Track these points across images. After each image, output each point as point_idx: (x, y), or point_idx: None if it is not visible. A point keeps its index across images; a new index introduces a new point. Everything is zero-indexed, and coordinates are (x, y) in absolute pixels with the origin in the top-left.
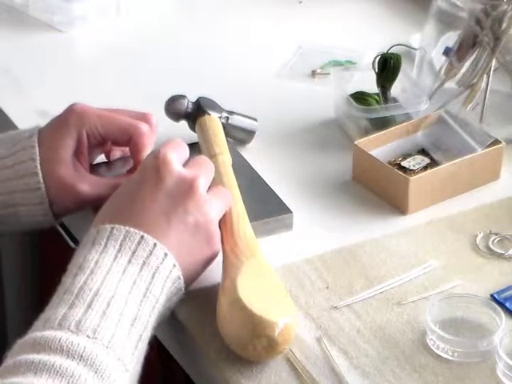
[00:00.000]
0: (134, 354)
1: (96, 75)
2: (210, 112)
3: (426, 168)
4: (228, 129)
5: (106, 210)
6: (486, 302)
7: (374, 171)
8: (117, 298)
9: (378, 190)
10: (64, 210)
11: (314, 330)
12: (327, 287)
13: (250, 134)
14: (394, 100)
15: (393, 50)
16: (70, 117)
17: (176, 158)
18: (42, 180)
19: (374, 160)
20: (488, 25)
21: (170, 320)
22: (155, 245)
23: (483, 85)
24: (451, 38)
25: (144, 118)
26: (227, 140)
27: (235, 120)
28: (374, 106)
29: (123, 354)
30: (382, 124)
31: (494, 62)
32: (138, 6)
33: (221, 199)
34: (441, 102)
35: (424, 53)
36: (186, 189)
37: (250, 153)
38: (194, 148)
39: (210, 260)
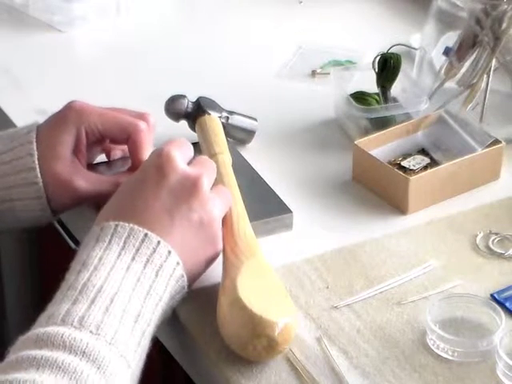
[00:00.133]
0: (137, 350)
1: (96, 75)
2: (210, 112)
3: (425, 168)
4: (228, 129)
5: (109, 208)
6: (486, 301)
7: (374, 171)
8: (120, 294)
9: (378, 190)
10: (61, 206)
11: (314, 330)
12: (327, 287)
13: (249, 133)
14: (394, 100)
15: (393, 50)
16: (69, 114)
17: (180, 156)
18: (39, 175)
19: (374, 160)
20: (488, 25)
21: (171, 320)
22: (159, 242)
23: (483, 85)
24: (451, 38)
25: (142, 117)
26: (227, 140)
27: (235, 120)
28: (373, 106)
29: (126, 350)
30: (381, 124)
31: (493, 61)
32: (138, 6)
33: (222, 198)
34: (441, 102)
35: (424, 53)
36: (190, 187)
37: (250, 153)
38: (194, 148)
39: (212, 258)
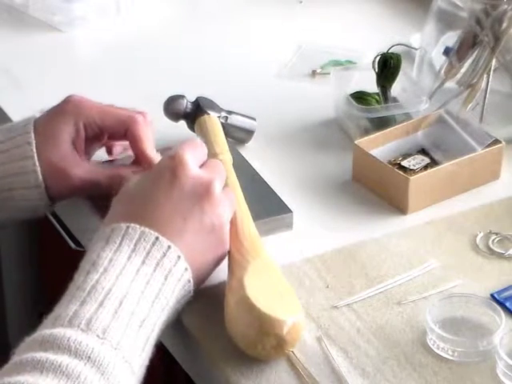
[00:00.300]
0: (141, 355)
1: (96, 75)
2: (209, 112)
3: (426, 168)
4: (227, 128)
5: (119, 208)
6: (486, 301)
7: (374, 171)
8: (129, 297)
9: (378, 190)
10: (58, 195)
11: (314, 330)
12: (327, 287)
13: (249, 133)
14: (394, 100)
15: (393, 50)
16: (67, 107)
17: (192, 159)
18: (37, 163)
19: (374, 160)
20: (488, 25)
21: (172, 321)
22: (169, 247)
23: (483, 85)
24: (451, 38)
25: (139, 112)
26: (226, 140)
27: (234, 119)
28: (374, 106)
29: (131, 355)
30: (382, 124)
31: (493, 61)
32: (138, 6)
33: (230, 201)
34: (441, 102)
35: (424, 53)
36: (203, 191)
37: (250, 152)
38: None
39: (220, 261)
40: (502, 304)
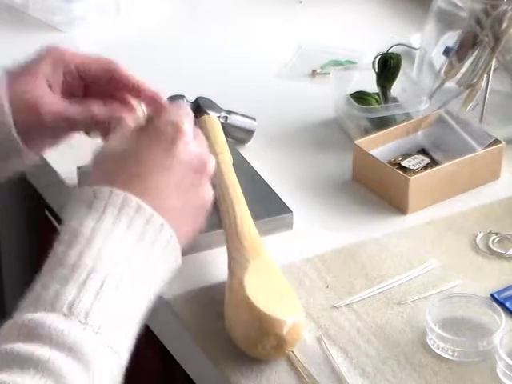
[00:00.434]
0: (126, 337)
1: None
2: (208, 112)
3: (426, 168)
4: (227, 128)
5: (104, 166)
6: (486, 301)
7: (374, 171)
8: (112, 275)
9: (378, 190)
10: (26, 127)
11: (314, 330)
12: (327, 287)
13: (248, 133)
14: (394, 100)
15: (393, 50)
16: (47, 52)
17: (191, 131)
18: (3, 93)
19: (374, 160)
20: (488, 25)
21: (171, 320)
22: (153, 215)
23: (483, 85)
24: (451, 38)
25: None
26: (226, 139)
27: (234, 119)
28: (374, 106)
29: (114, 339)
30: (382, 124)
31: (493, 61)
32: (138, 6)
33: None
34: (441, 102)
35: (424, 53)
36: (199, 166)
37: (250, 152)
38: None
39: (194, 235)
40: (502, 304)
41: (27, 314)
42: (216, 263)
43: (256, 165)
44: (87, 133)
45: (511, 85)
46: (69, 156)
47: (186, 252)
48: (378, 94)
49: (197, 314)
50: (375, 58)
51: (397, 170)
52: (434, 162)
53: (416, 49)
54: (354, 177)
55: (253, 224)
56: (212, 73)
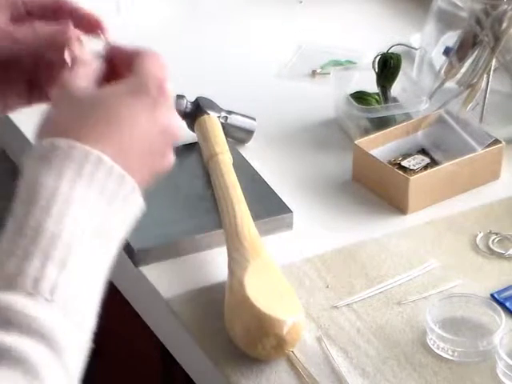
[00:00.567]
0: (93, 306)
1: None
2: (208, 112)
3: (426, 168)
4: (227, 128)
5: (65, 114)
6: (486, 301)
7: (374, 171)
8: (76, 240)
9: (378, 190)
10: None
11: (314, 330)
12: (327, 287)
13: (248, 133)
14: (394, 100)
15: (393, 50)
16: None
17: (172, 93)
18: None
19: (374, 160)
20: (488, 24)
21: (171, 320)
22: (113, 167)
23: (483, 85)
24: (451, 38)
25: None
26: (226, 140)
27: (234, 119)
28: (374, 106)
29: (81, 313)
30: (382, 124)
31: (493, 61)
32: (138, 6)
33: None
34: (441, 102)
35: (424, 53)
36: (171, 136)
37: (250, 152)
38: (194, 148)
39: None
40: (502, 304)
41: None
42: (216, 263)
43: (256, 165)
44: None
45: (511, 85)
46: None
47: (186, 252)
48: (378, 94)
49: (197, 313)
50: (375, 58)
51: (397, 170)
52: (434, 162)
53: (416, 49)
54: (354, 177)
55: (253, 224)
56: (212, 73)
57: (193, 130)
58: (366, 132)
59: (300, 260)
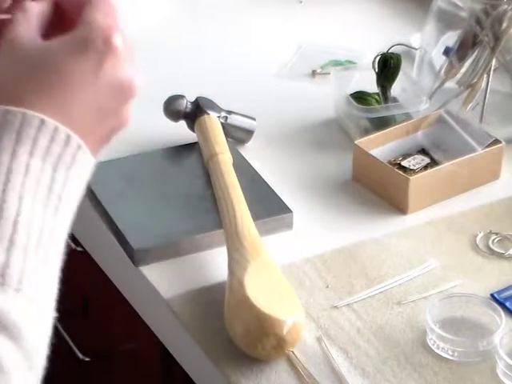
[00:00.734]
0: (52, 284)
1: None
2: (208, 112)
3: (426, 168)
4: (227, 128)
5: (8, 78)
6: (486, 301)
7: (374, 171)
8: (23, 214)
9: (378, 190)
10: None
11: (314, 330)
12: (327, 287)
13: (248, 133)
14: (394, 100)
15: (393, 50)
16: None
17: (121, 42)
18: None
19: (374, 160)
20: (488, 24)
21: (171, 320)
22: (57, 129)
23: (483, 85)
24: (451, 38)
25: None
26: (226, 140)
27: (234, 119)
28: (374, 106)
29: (36, 291)
30: (382, 124)
31: (493, 61)
32: (138, 6)
33: None
34: (441, 102)
35: (424, 52)
36: (125, 90)
37: (250, 152)
38: (194, 148)
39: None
40: (502, 304)
41: None
42: (216, 263)
43: (256, 165)
44: None
45: (511, 85)
46: None
47: (186, 252)
48: (378, 93)
49: (197, 314)
50: (375, 58)
51: (397, 170)
52: (434, 162)
53: (416, 49)
54: (354, 177)
55: (253, 224)
56: (212, 73)
57: (193, 129)
58: (366, 132)
59: (300, 260)
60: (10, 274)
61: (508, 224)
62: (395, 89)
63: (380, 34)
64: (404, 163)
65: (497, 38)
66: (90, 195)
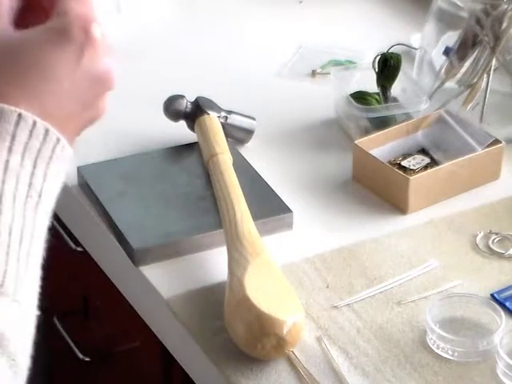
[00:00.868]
0: (34, 284)
1: None
2: (208, 112)
3: (426, 168)
4: (227, 128)
5: None
6: (486, 301)
7: (374, 171)
8: (4, 214)
9: (378, 190)
10: None
11: (315, 330)
12: (327, 287)
13: (248, 133)
14: (394, 100)
15: (393, 50)
16: None
17: (100, 33)
18: None
19: (374, 160)
20: (488, 24)
21: (171, 320)
22: (35, 123)
23: (483, 84)
24: (451, 38)
25: None
26: (226, 140)
27: (234, 119)
28: (374, 106)
29: (19, 291)
30: (382, 123)
31: (494, 61)
32: (138, 6)
33: None
34: (441, 102)
35: (424, 52)
36: (103, 81)
37: (250, 152)
38: (194, 148)
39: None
40: (502, 304)
41: None
42: (216, 263)
43: (256, 165)
44: None
45: (511, 85)
46: None
47: (186, 252)
48: (378, 93)
49: (197, 313)
50: (375, 57)
51: (397, 170)
52: (434, 162)
53: (416, 49)
54: (354, 177)
55: (253, 224)
56: (212, 73)
57: (193, 129)
58: (366, 132)
59: (300, 260)
60: None
61: (508, 224)
62: (395, 89)
63: (380, 33)
64: (404, 163)
65: (497, 38)
66: (90, 195)
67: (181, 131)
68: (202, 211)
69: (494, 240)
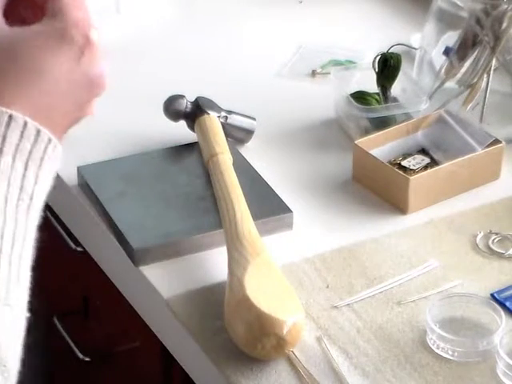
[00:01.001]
0: (24, 286)
1: None
2: (208, 112)
3: (426, 167)
4: (227, 128)
5: None
6: (486, 301)
7: (374, 171)
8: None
9: (377, 190)
10: None
11: (315, 330)
12: (327, 287)
13: (248, 133)
14: (395, 99)
15: (393, 50)
16: None
17: (97, 37)
18: None
19: (374, 159)
20: (488, 24)
21: (171, 320)
22: (26, 124)
23: (483, 84)
24: (451, 38)
25: None
26: (226, 139)
27: (234, 119)
28: (374, 106)
29: (5, 294)
30: (382, 123)
31: (494, 61)
32: (138, 6)
33: None
34: (441, 102)
35: (424, 52)
36: (97, 85)
37: (251, 152)
38: (194, 148)
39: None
40: (502, 304)
41: None
42: (216, 263)
43: (256, 165)
44: None
45: (511, 85)
46: (69, 156)
47: (186, 252)
48: (378, 93)
49: (197, 313)
50: (375, 57)
51: (397, 170)
52: (434, 162)
53: (416, 49)
54: (354, 177)
55: (253, 224)
56: (212, 73)
57: (193, 129)
58: (366, 132)
59: (300, 260)
60: None
61: (508, 224)
62: (395, 89)
63: (380, 34)
64: (404, 163)
65: (497, 38)
66: (90, 195)
67: (181, 131)
68: (202, 211)
69: (493, 240)
